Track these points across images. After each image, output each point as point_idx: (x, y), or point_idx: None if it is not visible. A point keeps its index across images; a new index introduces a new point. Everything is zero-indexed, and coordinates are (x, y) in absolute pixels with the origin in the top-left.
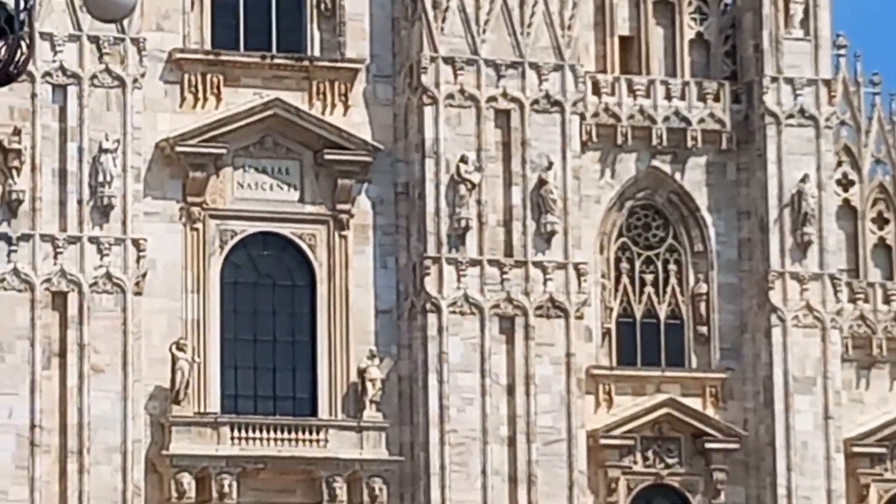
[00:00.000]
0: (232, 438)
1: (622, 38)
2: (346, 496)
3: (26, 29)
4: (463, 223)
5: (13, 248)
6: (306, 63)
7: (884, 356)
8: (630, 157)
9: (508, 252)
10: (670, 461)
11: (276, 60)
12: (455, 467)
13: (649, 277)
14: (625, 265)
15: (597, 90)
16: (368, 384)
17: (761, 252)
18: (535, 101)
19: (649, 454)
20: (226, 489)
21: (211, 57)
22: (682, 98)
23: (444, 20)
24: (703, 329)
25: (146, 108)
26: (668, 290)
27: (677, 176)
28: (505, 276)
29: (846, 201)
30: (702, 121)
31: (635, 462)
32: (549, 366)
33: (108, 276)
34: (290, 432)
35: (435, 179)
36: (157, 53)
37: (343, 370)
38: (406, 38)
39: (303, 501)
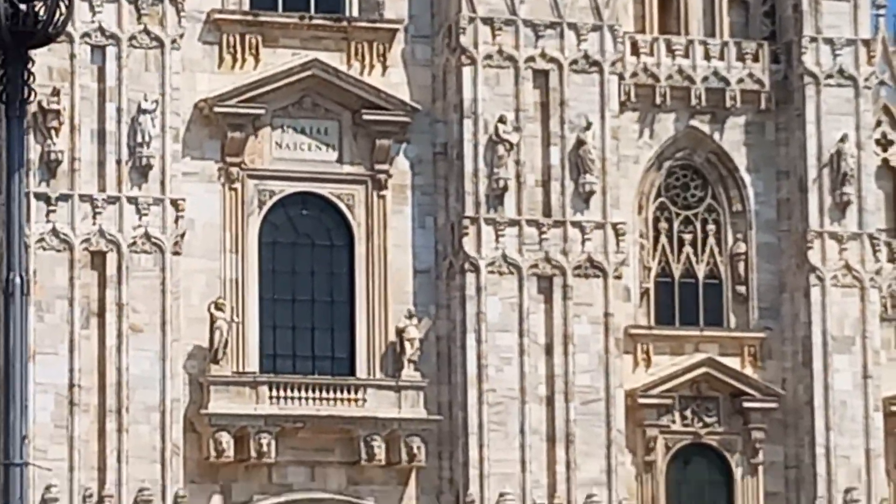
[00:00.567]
0: (270, 398)
1: None
2: (384, 455)
3: None
4: (501, 183)
5: (52, 208)
6: (345, 23)
7: None
8: (669, 117)
9: (547, 212)
10: (708, 420)
11: (315, 21)
12: (493, 427)
13: (688, 237)
14: (663, 225)
15: (635, 50)
16: (407, 344)
17: (800, 212)
18: (574, 62)
19: (687, 413)
20: (264, 448)
21: (249, 18)
22: (721, 58)
23: None
24: (742, 289)
25: (185, 68)
26: (707, 249)
27: (716, 136)
28: (543, 236)
29: (885, 161)
30: (740, 81)
31: (673, 421)
32: (587, 325)
33: (147, 235)
34: (328, 392)
35: (473, 140)
36: (196, 14)
37: (381, 330)
38: None
39: (341, 460)
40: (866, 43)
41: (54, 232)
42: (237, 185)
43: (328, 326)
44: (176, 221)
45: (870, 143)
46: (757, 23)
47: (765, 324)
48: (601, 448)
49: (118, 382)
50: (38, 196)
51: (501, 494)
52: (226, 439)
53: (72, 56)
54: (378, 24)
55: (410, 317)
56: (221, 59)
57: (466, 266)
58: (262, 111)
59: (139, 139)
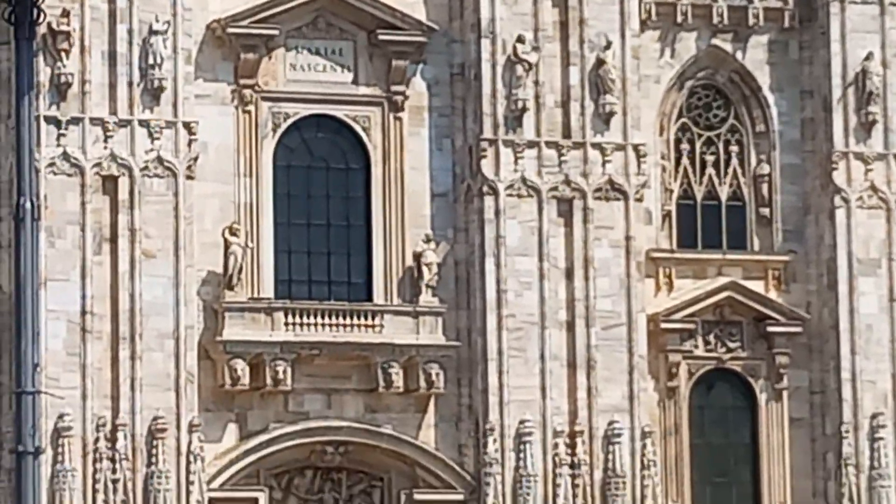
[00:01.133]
0: (286, 324)
1: None
2: (401, 382)
3: None
4: (520, 104)
5: (62, 131)
6: None
7: None
8: (690, 36)
9: (566, 133)
10: (732, 345)
11: None
12: (513, 352)
13: (710, 158)
14: (685, 146)
15: None
16: (424, 268)
17: (824, 132)
18: None
19: (710, 338)
20: (280, 375)
21: None
22: None
23: None
24: (766, 211)
25: None
26: (730, 171)
27: (739, 55)
28: (563, 158)
29: None
30: None
31: (696, 346)
32: (608, 249)
33: (160, 159)
34: (345, 317)
35: (491, 60)
36: None
37: (398, 254)
38: None
39: (358, 387)
40: None
41: (65, 156)
42: (251, 108)
43: (344, 251)
44: (189, 145)
45: (895, 61)
46: None
47: (789, 246)
48: (623, 374)
49: (131, 309)
50: (48, 119)
51: (521, 421)
52: (241, 367)
53: None
54: None
55: (428, 241)
56: None
57: (485, 189)
58: (275, 32)
59: (151, 61)
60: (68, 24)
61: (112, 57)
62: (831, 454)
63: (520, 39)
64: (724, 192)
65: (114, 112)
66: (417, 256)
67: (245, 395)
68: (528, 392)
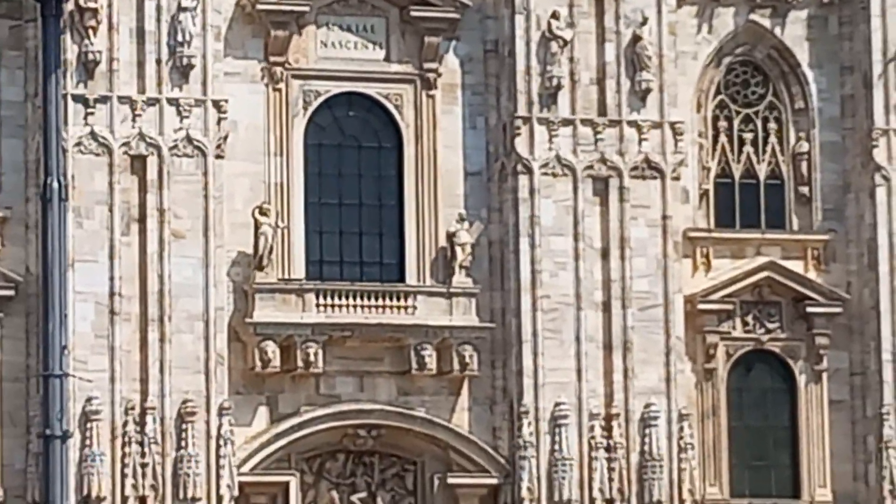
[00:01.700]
0: (317, 305)
1: None
2: (435, 364)
3: None
4: (554, 81)
5: (90, 110)
6: None
7: None
8: (728, 11)
9: (602, 111)
10: (771, 326)
11: None
12: (548, 334)
13: (748, 136)
14: (723, 124)
15: None
16: (458, 249)
17: (865, 109)
18: None
19: (749, 319)
20: (311, 358)
21: None
22: None
23: None
24: (805, 189)
25: None
26: (768, 149)
27: (777, 30)
28: (598, 136)
29: None
30: None
31: (734, 327)
32: (644, 228)
33: (189, 138)
34: (377, 299)
35: (525, 36)
36: None
37: (431, 234)
38: None
39: (390, 370)
40: None
41: (93, 135)
42: (281, 86)
43: (376, 231)
44: (218, 123)
45: None
46: None
47: (828, 225)
48: (660, 356)
49: (160, 290)
50: (75, 98)
51: (557, 404)
52: (271, 349)
53: None
54: None
55: (461, 220)
56: None
57: (519, 168)
58: (306, 8)
59: (179, 38)
60: (96, 1)
61: (140, 34)
62: (872, 437)
63: (554, 15)
64: (762, 171)
65: (142, 90)
66: (451, 236)
67: (276, 377)
68: (563, 374)
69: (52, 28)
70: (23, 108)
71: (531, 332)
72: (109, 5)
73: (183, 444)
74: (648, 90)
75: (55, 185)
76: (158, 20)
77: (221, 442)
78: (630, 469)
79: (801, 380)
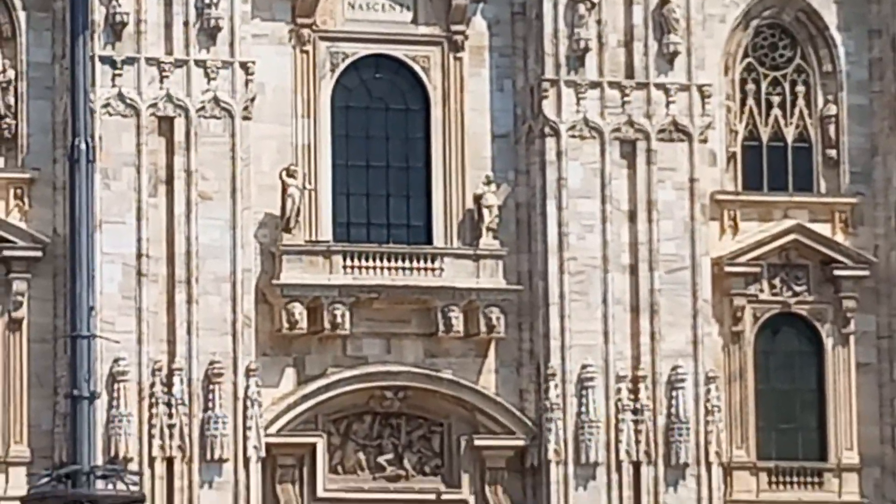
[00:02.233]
0: (344, 267)
1: None
2: (462, 326)
3: None
4: (582, 44)
5: (117, 71)
6: None
7: None
8: None
9: (629, 73)
10: (798, 289)
11: None
12: (575, 296)
13: (776, 99)
14: (750, 86)
15: None
16: (485, 211)
17: (893, 72)
18: None
19: (776, 282)
20: (338, 319)
21: None
22: None
23: None
24: (832, 152)
25: None
26: (796, 111)
27: None
28: (626, 99)
29: None
30: None
31: (762, 290)
32: (671, 191)
33: (216, 100)
34: (404, 261)
35: None
36: None
37: (458, 196)
38: None
39: (417, 332)
40: None
41: (120, 96)
42: (308, 48)
43: (404, 193)
44: (246, 85)
45: None
46: None
47: (856, 188)
48: (687, 318)
49: (187, 252)
50: (103, 59)
51: (583, 366)
52: (298, 310)
53: None
54: None
55: (489, 183)
56: None
57: (546, 130)
58: None
59: (207, 0)
60: None
61: None
62: None
63: None
64: (790, 134)
65: (169, 52)
66: (478, 199)
67: (303, 339)
68: (590, 336)
69: None
70: (50, 70)
71: (558, 295)
72: None
73: (210, 405)
74: (676, 53)
75: (83, 146)
76: None
77: (248, 403)
78: (657, 431)
79: (829, 343)
